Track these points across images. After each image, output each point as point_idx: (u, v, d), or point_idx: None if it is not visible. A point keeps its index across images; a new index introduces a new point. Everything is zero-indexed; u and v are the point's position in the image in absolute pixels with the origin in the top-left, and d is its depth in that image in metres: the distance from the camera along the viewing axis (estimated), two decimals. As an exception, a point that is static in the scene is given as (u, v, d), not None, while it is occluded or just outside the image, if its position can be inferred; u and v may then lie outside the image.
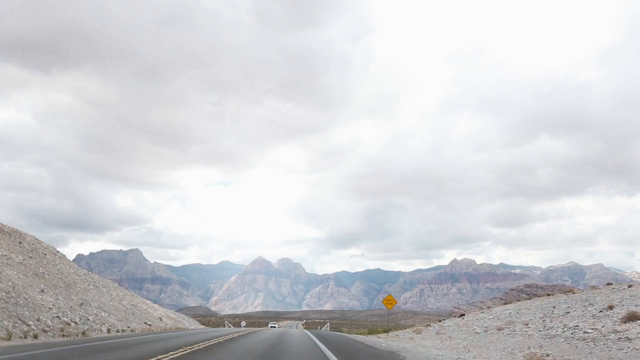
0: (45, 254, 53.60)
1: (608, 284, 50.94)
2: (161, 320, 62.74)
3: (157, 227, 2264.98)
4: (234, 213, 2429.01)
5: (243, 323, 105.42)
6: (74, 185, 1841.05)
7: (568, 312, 36.13)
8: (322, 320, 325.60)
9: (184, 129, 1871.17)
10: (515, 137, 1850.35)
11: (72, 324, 34.36)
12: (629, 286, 42.73)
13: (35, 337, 26.83)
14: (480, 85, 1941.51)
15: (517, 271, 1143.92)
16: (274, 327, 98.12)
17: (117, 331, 39.80)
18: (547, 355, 22.59)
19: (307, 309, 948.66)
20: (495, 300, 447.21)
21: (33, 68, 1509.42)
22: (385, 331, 47.88)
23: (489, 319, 45.84)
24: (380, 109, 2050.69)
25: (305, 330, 43.04)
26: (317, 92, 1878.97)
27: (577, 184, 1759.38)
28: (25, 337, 26.07)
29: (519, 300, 65.84)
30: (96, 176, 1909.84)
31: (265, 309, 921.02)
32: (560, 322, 33.56)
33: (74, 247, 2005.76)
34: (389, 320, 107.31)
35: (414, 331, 45.35)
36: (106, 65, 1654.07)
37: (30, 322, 29.07)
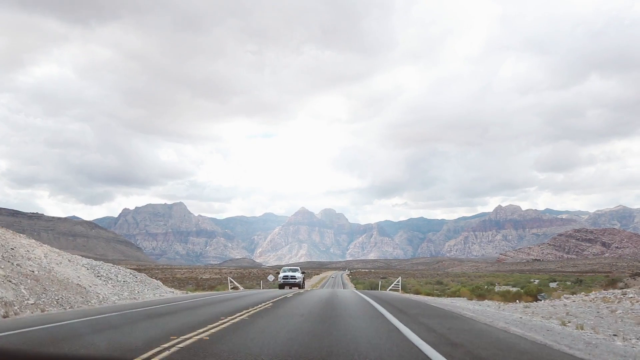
0: None
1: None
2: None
3: (200, 181, 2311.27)
4: (276, 165, 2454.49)
5: (270, 277, 76.73)
6: (117, 140, 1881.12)
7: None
8: (367, 270, 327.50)
9: (224, 80, 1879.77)
10: (564, 78, 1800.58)
11: None
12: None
13: None
14: (528, 25, 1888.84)
15: (564, 216, 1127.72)
16: (291, 279, 52.88)
17: None
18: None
19: (350, 258, 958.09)
20: (543, 246, 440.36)
21: (72, 21, 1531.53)
22: (473, 292, 40.79)
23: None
24: (423, 53, 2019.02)
25: (360, 294, 39.54)
26: (357, 38, 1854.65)
27: (628, 125, 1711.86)
28: None
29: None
30: (138, 130, 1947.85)
31: (309, 259, 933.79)
32: None
33: (120, 201, 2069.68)
34: (436, 268, 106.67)
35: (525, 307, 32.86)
36: (145, 17, 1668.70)
37: None
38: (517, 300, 28.60)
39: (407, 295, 40.33)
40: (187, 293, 39.37)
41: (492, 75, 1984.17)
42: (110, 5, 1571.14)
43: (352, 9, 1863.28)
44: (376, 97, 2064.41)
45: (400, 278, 51.61)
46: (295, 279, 53.03)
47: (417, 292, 48.87)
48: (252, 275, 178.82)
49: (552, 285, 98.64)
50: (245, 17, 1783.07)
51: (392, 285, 54.71)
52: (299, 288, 51.42)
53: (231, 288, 52.58)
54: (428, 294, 44.45)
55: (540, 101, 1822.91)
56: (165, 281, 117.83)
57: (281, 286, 51.93)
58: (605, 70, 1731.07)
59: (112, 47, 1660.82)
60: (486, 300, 30.80)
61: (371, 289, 65.38)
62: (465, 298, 35.35)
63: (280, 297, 28.33)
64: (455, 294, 41.92)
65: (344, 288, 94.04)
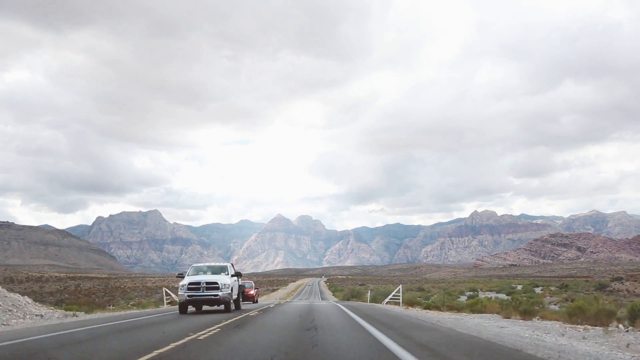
0: None
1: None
2: None
3: (176, 188, 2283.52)
4: (252, 171, 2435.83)
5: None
6: (91, 147, 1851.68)
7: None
8: (344, 277, 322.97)
9: (200, 86, 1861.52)
10: (539, 83, 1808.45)
11: None
12: None
13: None
14: (503, 30, 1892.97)
15: (539, 221, 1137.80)
16: (207, 292, 26.17)
17: None
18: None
19: (327, 265, 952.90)
20: (520, 251, 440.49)
21: (44, 26, 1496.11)
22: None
23: None
24: (400, 59, 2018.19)
25: (346, 310, 31.50)
26: (334, 43, 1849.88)
27: (601, 131, 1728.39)
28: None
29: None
30: (112, 137, 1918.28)
31: (286, 267, 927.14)
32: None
33: (94, 209, 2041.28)
34: (413, 274, 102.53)
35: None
36: (119, 22, 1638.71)
37: None
38: (581, 321, 19.25)
39: (413, 313, 29.04)
40: (74, 315, 26.53)
41: (468, 81, 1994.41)
42: (83, 10, 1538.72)
43: (328, 13, 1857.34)
44: (353, 103, 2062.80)
45: (400, 287, 42.70)
46: (218, 289, 25.80)
47: (419, 306, 43.48)
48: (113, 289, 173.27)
49: (537, 290, 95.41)
50: (221, 22, 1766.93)
51: (391, 295, 45.08)
52: (229, 308, 26.75)
53: (167, 303, 41.46)
54: (437, 310, 34.49)
55: (516, 107, 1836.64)
56: (135, 290, 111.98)
57: (183, 307, 26.20)
58: (580, 75, 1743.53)
59: (85, 52, 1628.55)
60: (538, 320, 21.07)
61: (352, 297, 60.70)
62: (496, 314, 25.34)
63: (235, 319, 20.57)
64: (477, 307, 30.99)
65: (322, 298, 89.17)
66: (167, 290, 43.90)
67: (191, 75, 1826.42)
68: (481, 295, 76.65)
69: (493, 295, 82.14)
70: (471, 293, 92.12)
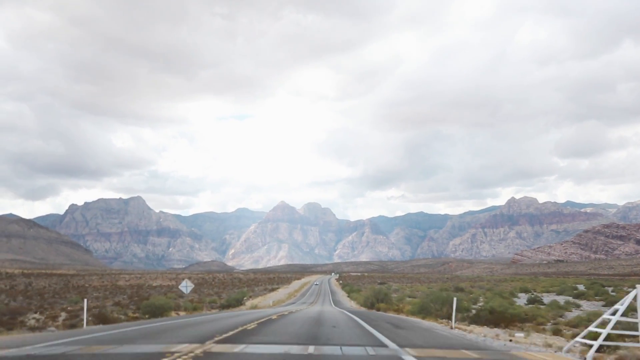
0: None
1: None
2: None
3: (162, 171, 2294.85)
4: (251, 152, 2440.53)
5: (184, 284, 50.71)
6: (62, 123, 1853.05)
7: None
8: (359, 274, 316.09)
9: (189, 50, 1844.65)
10: (591, 45, 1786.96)
11: None
12: None
13: None
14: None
15: (588, 210, 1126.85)
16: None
17: None
18: None
19: (339, 260, 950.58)
20: (566, 245, 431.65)
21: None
22: None
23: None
24: (425, 17, 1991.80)
25: (378, 335, 24.06)
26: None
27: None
28: None
29: None
30: (87, 111, 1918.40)
31: (290, 262, 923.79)
32: None
33: (66, 196, 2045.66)
34: (441, 271, 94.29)
35: None
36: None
37: None
38: None
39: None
40: None
41: (506, 43, 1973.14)
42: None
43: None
44: (369, 70, 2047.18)
45: (455, 302, 33.68)
46: None
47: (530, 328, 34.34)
48: (216, 281, 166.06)
49: (610, 291, 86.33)
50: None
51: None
52: None
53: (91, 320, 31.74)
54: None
55: (563, 73, 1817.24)
56: (99, 289, 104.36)
57: None
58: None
59: (53, 10, 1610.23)
60: None
61: (377, 302, 51.36)
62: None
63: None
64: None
65: (333, 302, 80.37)
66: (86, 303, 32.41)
67: (179, 37, 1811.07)
68: (546, 298, 68.19)
69: (557, 297, 73.57)
70: (524, 295, 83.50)
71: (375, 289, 58.08)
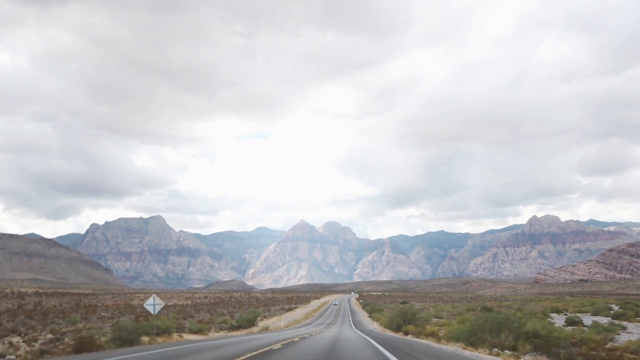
0: None
1: None
2: None
3: (182, 190, 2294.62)
4: (271, 170, 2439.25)
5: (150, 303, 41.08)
6: (84, 143, 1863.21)
7: None
8: (380, 293, 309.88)
9: (210, 69, 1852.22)
10: (615, 61, 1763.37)
11: None
12: None
13: None
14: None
15: (611, 228, 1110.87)
16: None
17: None
18: None
19: (359, 280, 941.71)
20: (590, 264, 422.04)
21: (27, 1, 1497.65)
22: None
23: None
24: (446, 34, 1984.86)
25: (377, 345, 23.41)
26: (366, 16, 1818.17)
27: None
28: None
29: None
30: (108, 131, 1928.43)
31: (310, 281, 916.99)
32: None
33: (88, 215, 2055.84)
34: (463, 290, 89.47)
35: None
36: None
37: None
38: None
39: None
40: None
41: (527, 59, 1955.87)
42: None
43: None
44: (389, 88, 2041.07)
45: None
46: None
47: None
48: (233, 300, 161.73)
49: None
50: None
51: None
52: None
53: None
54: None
55: (586, 90, 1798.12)
56: (110, 309, 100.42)
57: None
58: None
59: (75, 31, 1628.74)
60: None
61: (405, 324, 45.34)
62: None
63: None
64: None
65: (353, 323, 75.25)
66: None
67: (199, 56, 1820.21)
68: (586, 319, 62.94)
69: (594, 318, 68.21)
70: (556, 315, 78.20)
71: (402, 309, 51.90)
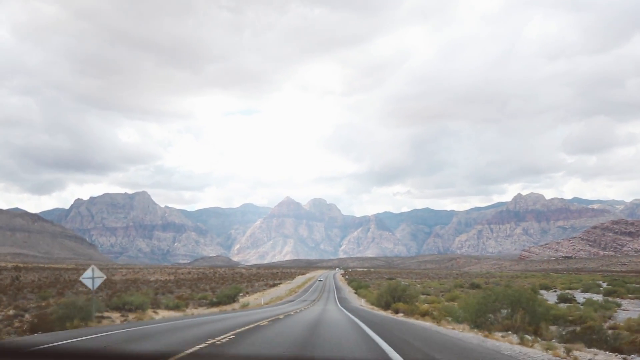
0: None
1: None
2: None
3: (168, 166, 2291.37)
4: (258, 147, 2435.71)
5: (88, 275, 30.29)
6: (68, 117, 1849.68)
7: None
8: (365, 269, 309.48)
9: (196, 44, 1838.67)
10: (602, 39, 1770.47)
11: None
12: None
13: None
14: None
15: (595, 206, 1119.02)
16: None
17: None
18: None
19: (344, 256, 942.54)
20: (574, 241, 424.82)
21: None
22: None
23: None
24: (434, 11, 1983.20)
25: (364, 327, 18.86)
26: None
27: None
28: None
29: None
30: (93, 105, 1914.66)
31: (295, 257, 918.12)
32: None
33: (72, 190, 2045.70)
34: (448, 267, 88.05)
35: None
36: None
37: None
38: None
39: None
40: None
41: (515, 37, 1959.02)
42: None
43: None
44: (377, 65, 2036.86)
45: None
46: None
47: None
48: (216, 276, 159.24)
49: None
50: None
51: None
52: None
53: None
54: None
55: (572, 68, 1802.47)
56: (67, 286, 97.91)
57: None
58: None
59: (59, 3, 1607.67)
60: None
61: (394, 301, 41.38)
62: None
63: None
64: None
65: (338, 299, 72.84)
66: None
67: (185, 30, 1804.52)
68: (580, 295, 61.16)
69: (584, 295, 66.62)
70: (545, 292, 76.72)
71: (390, 285, 48.78)
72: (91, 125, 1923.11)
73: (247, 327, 21.02)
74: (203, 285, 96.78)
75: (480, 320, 24.60)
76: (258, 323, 23.63)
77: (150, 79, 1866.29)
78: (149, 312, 39.96)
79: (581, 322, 30.06)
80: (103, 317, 30.09)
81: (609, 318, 36.86)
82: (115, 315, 35.01)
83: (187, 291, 76.99)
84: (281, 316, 30.24)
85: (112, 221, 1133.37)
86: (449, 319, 29.15)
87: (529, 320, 23.21)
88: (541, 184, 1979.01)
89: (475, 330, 22.03)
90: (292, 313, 35.19)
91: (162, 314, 40.29)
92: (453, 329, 23.95)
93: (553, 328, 23.98)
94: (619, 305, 48.93)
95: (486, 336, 19.64)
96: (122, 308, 37.96)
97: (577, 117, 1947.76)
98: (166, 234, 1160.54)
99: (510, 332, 22.22)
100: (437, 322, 27.59)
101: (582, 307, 44.36)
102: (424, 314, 34.65)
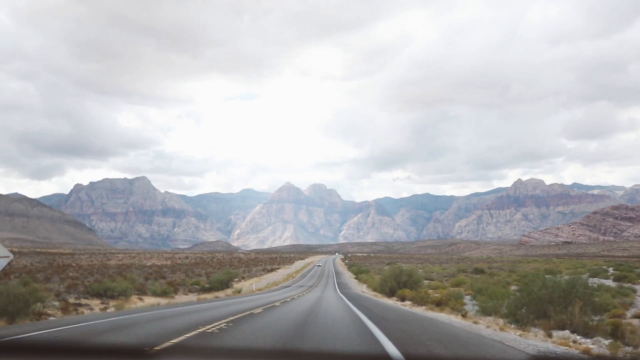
0: None
1: None
2: None
3: (168, 151, 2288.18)
4: (258, 132, 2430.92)
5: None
6: (68, 102, 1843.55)
7: None
8: (365, 254, 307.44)
9: (196, 27, 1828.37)
10: (604, 24, 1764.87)
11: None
12: None
13: None
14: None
15: (596, 192, 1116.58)
16: None
17: None
18: None
19: (344, 241, 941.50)
20: (575, 226, 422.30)
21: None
22: None
23: None
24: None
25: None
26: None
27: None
28: None
29: None
30: (92, 90, 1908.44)
31: (295, 242, 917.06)
32: None
33: (72, 176, 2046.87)
34: (449, 252, 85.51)
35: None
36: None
37: None
38: None
39: None
40: None
41: (517, 21, 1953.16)
42: None
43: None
44: (377, 49, 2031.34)
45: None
46: None
47: None
48: (214, 261, 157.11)
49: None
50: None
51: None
52: None
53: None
54: None
55: (574, 53, 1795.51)
56: (82, 269, 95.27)
57: None
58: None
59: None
60: None
61: (399, 288, 37.58)
62: None
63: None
64: None
65: (337, 285, 70.35)
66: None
67: (185, 14, 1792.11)
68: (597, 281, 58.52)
69: (592, 280, 63.93)
70: (551, 277, 73.78)
71: (395, 269, 44.48)
72: (91, 110, 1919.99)
73: (207, 329, 15.07)
74: (199, 271, 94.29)
75: (520, 314, 20.21)
76: (227, 319, 18.03)
77: (150, 64, 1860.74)
78: (134, 299, 37.44)
79: (604, 310, 27.02)
80: (49, 312, 26.40)
81: (630, 305, 34.17)
82: (95, 302, 32.46)
83: (181, 276, 74.40)
84: (268, 305, 26.35)
85: (112, 206, 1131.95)
86: (470, 310, 25.54)
87: (591, 313, 18.89)
88: (541, 169, 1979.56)
89: (514, 326, 18.27)
90: (278, 304, 29.06)
91: (148, 300, 37.63)
92: (488, 326, 19.04)
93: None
94: (634, 291, 46.37)
95: (564, 344, 14.34)
96: (104, 295, 35.32)
97: (578, 103, 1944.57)
98: (166, 219, 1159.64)
99: (567, 330, 17.73)
100: (463, 317, 22.81)
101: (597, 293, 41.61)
102: (438, 303, 29.32)
